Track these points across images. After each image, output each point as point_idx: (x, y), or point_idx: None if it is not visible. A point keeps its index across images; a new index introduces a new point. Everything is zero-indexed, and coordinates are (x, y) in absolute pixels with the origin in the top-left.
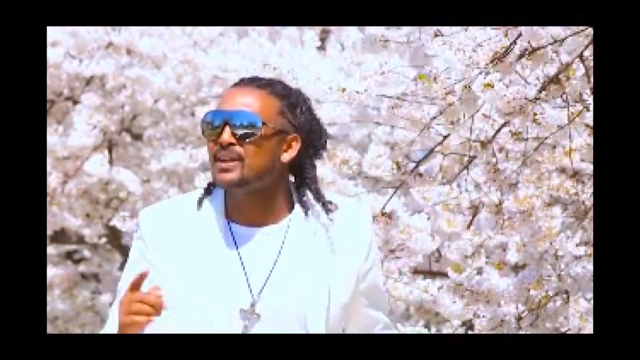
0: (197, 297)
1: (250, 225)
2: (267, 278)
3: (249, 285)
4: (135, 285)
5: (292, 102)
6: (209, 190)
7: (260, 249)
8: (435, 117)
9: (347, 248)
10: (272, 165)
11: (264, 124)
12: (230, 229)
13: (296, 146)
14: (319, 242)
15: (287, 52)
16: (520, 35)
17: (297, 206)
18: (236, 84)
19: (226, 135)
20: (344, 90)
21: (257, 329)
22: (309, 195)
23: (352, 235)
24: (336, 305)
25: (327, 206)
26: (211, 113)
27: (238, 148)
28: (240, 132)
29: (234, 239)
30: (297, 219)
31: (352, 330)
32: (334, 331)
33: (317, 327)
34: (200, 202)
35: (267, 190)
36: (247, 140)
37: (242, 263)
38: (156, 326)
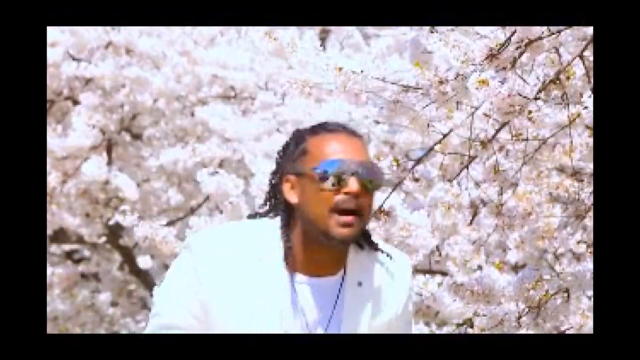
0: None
1: (310, 275)
2: (326, 328)
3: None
4: None
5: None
6: (286, 230)
7: (320, 300)
8: (427, 105)
9: (394, 297)
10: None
11: (380, 175)
12: (292, 279)
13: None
14: (370, 291)
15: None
16: (514, 32)
17: (350, 256)
18: (329, 131)
19: (356, 185)
20: (340, 69)
21: None
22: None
23: (398, 285)
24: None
25: (380, 250)
26: (333, 161)
27: (362, 200)
28: (368, 184)
29: (295, 290)
30: (351, 269)
31: None
32: None
33: None
34: (262, 253)
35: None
36: (372, 191)
37: (303, 315)
38: None
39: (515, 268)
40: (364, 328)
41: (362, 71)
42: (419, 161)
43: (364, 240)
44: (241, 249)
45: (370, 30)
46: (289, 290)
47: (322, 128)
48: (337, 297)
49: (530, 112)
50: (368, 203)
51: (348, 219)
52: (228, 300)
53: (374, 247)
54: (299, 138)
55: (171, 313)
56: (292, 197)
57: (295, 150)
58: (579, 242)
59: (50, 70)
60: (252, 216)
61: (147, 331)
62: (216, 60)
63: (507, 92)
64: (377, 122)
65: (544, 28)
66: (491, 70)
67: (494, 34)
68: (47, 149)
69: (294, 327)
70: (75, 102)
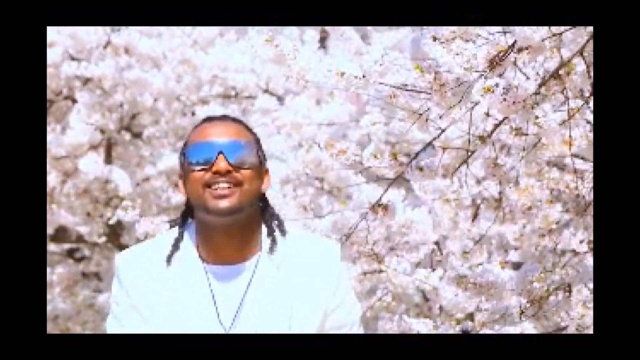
0: (175, 332)
1: (221, 263)
2: (236, 314)
3: (220, 322)
4: None
5: (257, 138)
6: (181, 232)
7: (230, 286)
8: (429, 109)
9: (313, 283)
10: (257, 194)
11: (255, 151)
12: (204, 268)
13: (268, 178)
14: (285, 276)
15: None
16: (515, 42)
17: (265, 243)
18: (208, 120)
19: (223, 163)
20: (342, 74)
21: None
22: (276, 229)
23: (319, 272)
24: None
25: (280, 231)
26: (198, 145)
27: (236, 174)
28: (236, 160)
29: (207, 278)
30: (265, 256)
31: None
32: None
33: None
34: (176, 244)
35: (245, 225)
36: (246, 167)
37: (214, 301)
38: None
39: (517, 267)
40: (285, 312)
41: (364, 76)
42: (417, 155)
43: (275, 226)
44: (159, 251)
45: (370, 30)
46: (203, 280)
47: (204, 120)
48: (250, 281)
49: (537, 117)
50: (246, 177)
51: (222, 191)
52: (152, 299)
53: (283, 232)
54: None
55: (118, 320)
56: (182, 189)
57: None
58: (581, 242)
59: (49, 70)
60: (173, 223)
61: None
62: (217, 64)
63: (512, 99)
64: (386, 124)
65: (545, 31)
66: (496, 78)
67: (496, 39)
68: (48, 148)
69: (206, 315)
70: (75, 102)
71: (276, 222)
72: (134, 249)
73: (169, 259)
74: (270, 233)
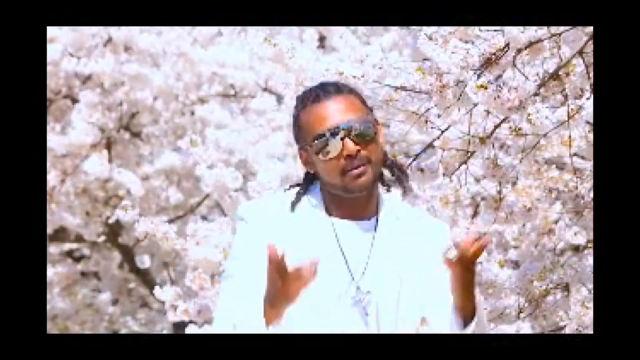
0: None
1: (347, 219)
2: (366, 265)
3: (350, 271)
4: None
5: (358, 94)
6: (305, 189)
7: (357, 239)
8: (429, 109)
9: (427, 242)
10: (383, 158)
11: (371, 122)
12: (331, 222)
13: (382, 135)
14: (405, 238)
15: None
16: (509, 45)
17: (385, 205)
18: (314, 100)
19: (351, 146)
20: (341, 74)
21: (371, 305)
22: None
23: (433, 235)
24: (407, 293)
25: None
26: (322, 134)
27: (364, 152)
28: (360, 137)
29: (334, 231)
30: (385, 216)
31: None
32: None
33: (409, 309)
34: (299, 196)
35: (371, 188)
36: (369, 140)
37: (342, 252)
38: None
39: (517, 267)
40: (402, 266)
41: (362, 76)
42: (417, 156)
43: (399, 172)
44: (283, 204)
45: (370, 29)
46: (331, 232)
47: (308, 99)
48: (373, 237)
49: (529, 114)
50: (372, 150)
51: (359, 170)
52: (277, 243)
53: (401, 185)
54: (294, 114)
55: (237, 265)
56: (310, 168)
57: (294, 127)
58: (576, 234)
59: (49, 69)
60: (294, 185)
61: (221, 299)
62: (215, 60)
63: (506, 96)
64: (387, 126)
65: (544, 31)
66: (490, 76)
67: (494, 39)
68: (47, 147)
69: (334, 266)
70: (75, 101)
71: (399, 169)
72: (256, 200)
73: (293, 206)
74: (398, 179)
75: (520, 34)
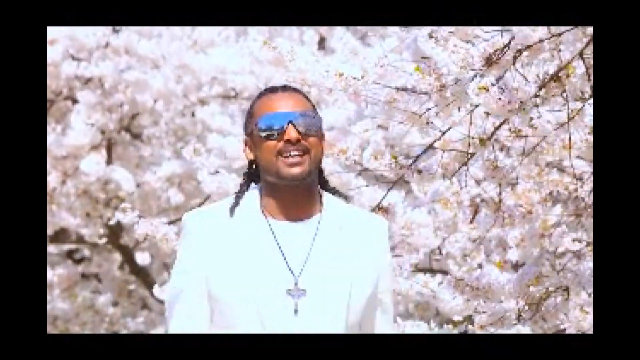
0: (247, 285)
1: (286, 220)
2: (305, 262)
3: (289, 269)
4: None
5: (314, 107)
6: (244, 190)
7: (296, 240)
8: (429, 109)
9: (369, 247)
10: (321, 159)
11: (319, 120)
12: (268, 223)
13: (325, 144)
14: (346, 236)
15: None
16: (513, 38)
17: (326, 204)
18: (271, 91)
19: (293, 132)
20: (341, 75)
21: (305, 302)
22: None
23: (373, 239)
24: (359, 295)
25: (346, 198)
26: (269, 116)
27: (305, 142)
28: (305, 129)
29: (272, 232)
30: (326, 216)
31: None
32: (356, 321)
33: (357, 304)
34: (237, 200)
35: (310, 186)
36: (312, 134)
37: (281, 251)
38: (217, 314)
39: (516, 267)
40: (345, 273)
41: (362, 77)
42: (417, 158)
43: (332, 191)
44: (224, 210)
45: (370, 30)
46: (268, 234)
47: (267, 90)
48: (315, 235)
49: (531, 118)
50: (313, 144)
51: (294, 159)
52: (220, 255)
53: (341, 195)
54: (250, 105)
55: (181, 278)
56: (250, 155)
57: (247, 116)
58: (574, 240)
59: (49, 70)
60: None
61: (173, 316)
62: (216, 66)
63: (507, 99)
64: (378, 126)
65: (544, 31)
66: (491, 77)
67: (494, 38)
68: (47, 148)
69: (275, 268)
70: (75, 102)
71: (332, 187)
72: (200, 209)
73: (232, 211)
74: (334, 193)
75: (531, 32)
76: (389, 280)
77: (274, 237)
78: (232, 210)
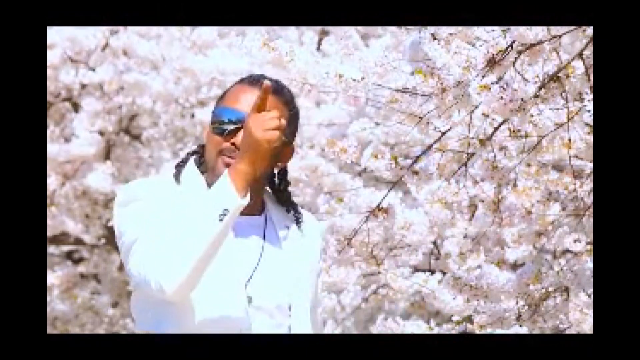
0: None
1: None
2: (257, 264)
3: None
4: (262, 106)
5: (295, 112)
6: (183, 164)
7: (247, 237)
8: (430, 112)
9: (311, 246)
10: (270, 171)
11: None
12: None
13: (290, 155)
14: (291, 235)
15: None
16: (514, 42)
17: (269, 205)
18: (248, 83)
19: (239, 140)
20: (340, 76)
21: (251, 311)
22: (285, 197)
23: (313, 237)
24: (311, 291)
25: (295, 206)
26: (228, 111)
27: None
28: None
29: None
30: (270, 215)
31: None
32: (309, 323)
33: (300, 314)
34: (177, 175)
35: (255, 188)
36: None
37: (237, 251)
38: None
39: (515, 267)
40: (294, 269)
41: (362, 78)
42: (417, 159)
43: (278, 198)
44: (167, 183)
45: (371, 30)
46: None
47: (249, 78)
48: (264, 232)
49: (532, 115)
50: None
51: (232, 161)
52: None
53: (286, 204)
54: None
55: (141, 227)
56: (205, 136)
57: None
58: (575, 241)
59: (48, 72)
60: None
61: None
62: (215, 67)
63: (509, 97)
64: (377, 124)
65: (545, 31)
66: (492, 77)
67: (495, 40)
68: (50, 156)
69: (228, 263)
70: (74, 105)
71: (286, 193)
72: (144, 179)
73: (176, 177)
74: (281, 199)
75: (527, 31)
76: (320, 278)
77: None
78: (176, 177)
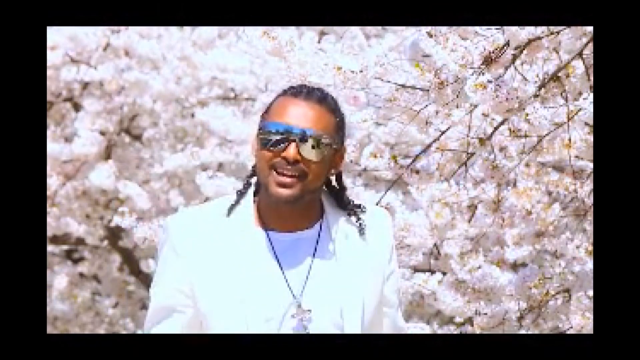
0: (241, 303)
1: (284, 231)
2: (306, 280)
3: (289, 288)
4: None
5: (342, 118)
6: (240, 198)
7: (296, 253)
8: (426, 105)
9: (375, 251)
10: (322, 181)
11: (329, 145)
12: (267, 235)
13: (342, 160)
14: (350, 244)
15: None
16: (508, 43)
17: (328, 211)
18: (293, 94)
19: (292, 152)
20: (339, 68)
21: (312, 323)
22: (344, 200)
23: (378, 240)
24: (370, 305)
25: (357, 210)
26: (276, 124)
27: (303, 166)
28: (307, 151)
29: (271, 245)
30: (327, 224)
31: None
32: (367, 331)
33: (353, 325)
34: (230, 209)
35: (307, 201)
36: (314, 160)
37: (280, 268)
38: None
39: (515, 267)
40: (353, 282)
41: (361, 71)
42: (416, 158)
43: (337, 202)
44: (214, 218)
45: (370, 30)
46: (264, 246)
47: (291, 89)
48: (315, 249)
49: (527, 114)
50: (311, 170)
51: (285, 179)
52: (210, 268)
53: (347, 208)
54: (274, 97)
55: (163, 294)
56: (253, 151)
57: (266, 109)
58: (578, 247)
59: (49, 72)
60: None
61: (148, 316)
62: (216, 64)
63: (504, 95)
64: (378, 124)
65: (544, 28)
66: (488, 75)
67: (493, 37)
68: (51, 156)
69: (272, 280)
70: (75, 104)
71: (344, 196)
72: (185, 212)
73: (229, 212)
74: (341, 204)
75: (519, 30)
76: (396, 278)
77: (274, 251)
78: (228, 213)
